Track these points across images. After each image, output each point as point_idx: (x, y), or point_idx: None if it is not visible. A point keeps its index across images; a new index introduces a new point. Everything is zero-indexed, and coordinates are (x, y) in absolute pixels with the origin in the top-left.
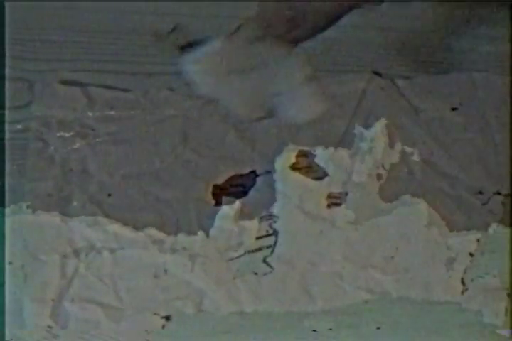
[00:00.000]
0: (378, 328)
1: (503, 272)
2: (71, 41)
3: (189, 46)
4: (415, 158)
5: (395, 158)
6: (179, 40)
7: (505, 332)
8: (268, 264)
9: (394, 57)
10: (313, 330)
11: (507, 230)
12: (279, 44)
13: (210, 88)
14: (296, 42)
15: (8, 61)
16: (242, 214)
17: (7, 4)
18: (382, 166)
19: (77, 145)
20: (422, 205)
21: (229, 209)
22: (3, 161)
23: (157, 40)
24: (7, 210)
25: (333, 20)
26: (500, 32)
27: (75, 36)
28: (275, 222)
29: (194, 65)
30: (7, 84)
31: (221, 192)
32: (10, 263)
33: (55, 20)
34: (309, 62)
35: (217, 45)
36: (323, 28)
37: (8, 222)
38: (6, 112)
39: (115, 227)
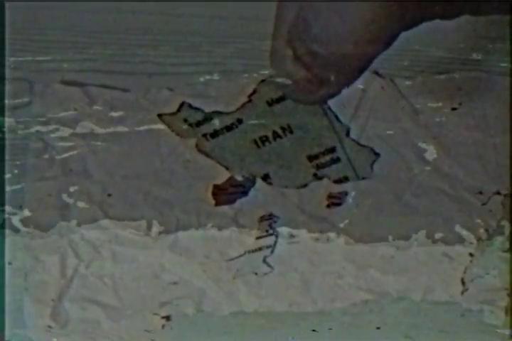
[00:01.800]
0: (378, 328)
1: (503, 272)
2: (71, 41)
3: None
4: (415, 157)
5: None
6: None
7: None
8: (268, 264)
9: (394, 57)
10: (313, 330)
11: (507, 230)
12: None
13: None
14: (322, 101)
15: (8, 61)
16: (242, 214)
17: (7, 4)
18: None
19: (77, 145)
20: (422, 205)
21: (229, 209)
22: (3, 161)
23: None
24: (7, 210)
25: (363, 69)
26: (501, 32)
27: (74, 36)
28: (275, 221)
29: None
30: (7, 84)
31: (221, 192)
32: (10, 263)
33: (55, 20)
34: None
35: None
36: (353, 80)
37: (7, 222)
38: (6, 112)
39: (115, 227)
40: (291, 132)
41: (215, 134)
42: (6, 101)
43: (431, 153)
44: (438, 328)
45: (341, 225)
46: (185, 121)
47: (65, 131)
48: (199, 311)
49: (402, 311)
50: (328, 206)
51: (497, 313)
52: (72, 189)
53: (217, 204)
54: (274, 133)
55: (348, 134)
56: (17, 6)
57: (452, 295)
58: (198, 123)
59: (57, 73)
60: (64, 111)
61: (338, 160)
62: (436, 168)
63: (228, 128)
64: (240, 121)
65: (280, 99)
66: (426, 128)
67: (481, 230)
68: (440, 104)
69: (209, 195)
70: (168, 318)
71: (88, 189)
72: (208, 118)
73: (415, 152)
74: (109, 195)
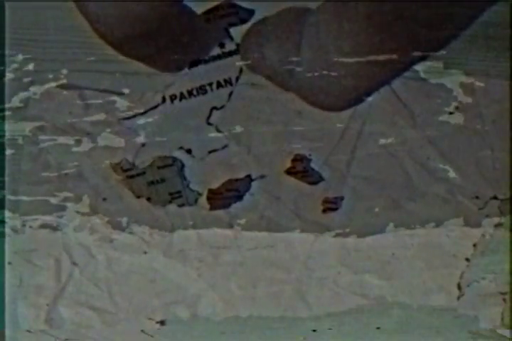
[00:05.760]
0: (378, 328)
1: (499, 277)
2: (71, 41)
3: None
4: (411, 162)
5: None
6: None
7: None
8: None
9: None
10: (313, 330)
11: (503, 235)
12: None
13: None
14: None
15: (8, 61)
16: (237, 219)
17: (7, 4)
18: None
19: (72, 149)
20: (418, 209)
21: (224, 213)
22: (4, 162)
23: None
24: (7, 208)
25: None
26: (500, 33)
27: (74, 36)
28: None
29: None
30: (7, 84)
31: (216, 197)
32: (10, 263)
33: (55, 20)
34: None
35: None
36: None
37: (7, 225)
38: (6, 113)
39: (110, 231)
40: None
41: None
42: (6, 102)
43: (427, 157)
44: (433, 334)
45: (337, 229)
46: None
47: (60, 135)
48: (194, 316)
49: (399, 316)
50: (324, 211)
51: (493, 318)
52: (67, 193)
53: (212, 208)
54: None
55: None
56: (17, 6)
57: (448, 301)
58: None
59: (54, 76)
60: (59, 115)
61: None
62: (433, 172)
63: None
64: None
65: None
66: (422, 132)
67: (478, 235)
68: (437, 108)
69: (204, 199)
70: (162, 323)
71: (83, 193)
72: None
73: (412, 156)
74: (104, 199)
